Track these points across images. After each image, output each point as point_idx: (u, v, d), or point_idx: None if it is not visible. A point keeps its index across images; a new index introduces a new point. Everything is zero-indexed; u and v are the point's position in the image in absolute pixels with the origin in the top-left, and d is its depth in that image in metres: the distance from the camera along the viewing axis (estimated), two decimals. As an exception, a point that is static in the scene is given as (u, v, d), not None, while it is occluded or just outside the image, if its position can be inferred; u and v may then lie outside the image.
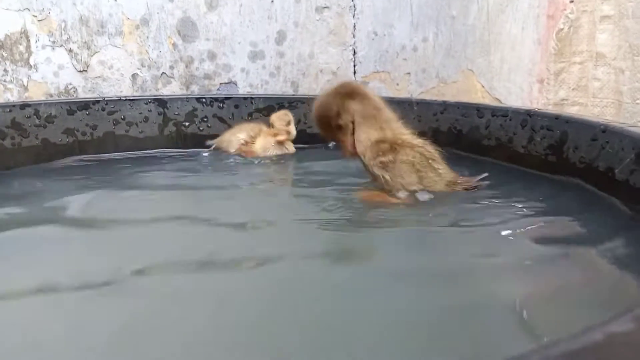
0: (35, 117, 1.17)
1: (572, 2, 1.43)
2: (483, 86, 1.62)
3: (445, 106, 1.18)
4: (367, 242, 0.71)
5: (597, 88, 1.40)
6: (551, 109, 1.54)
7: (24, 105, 1.16)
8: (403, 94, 1.58)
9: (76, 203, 0.85)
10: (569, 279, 0.55)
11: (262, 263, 0.62)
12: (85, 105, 1.24)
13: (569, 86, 1.48)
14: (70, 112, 1.22)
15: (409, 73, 1.58)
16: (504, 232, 0.67)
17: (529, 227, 0.69)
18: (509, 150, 1.01)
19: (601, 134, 0.78)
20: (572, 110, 1.50)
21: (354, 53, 1.53)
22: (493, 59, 1.61)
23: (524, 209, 0.76)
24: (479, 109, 1.09)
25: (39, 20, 1.33)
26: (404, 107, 1.24)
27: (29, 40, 1.33)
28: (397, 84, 1.58)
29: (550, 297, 0.52)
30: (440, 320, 0.48)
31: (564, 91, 1.50)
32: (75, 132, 1.23)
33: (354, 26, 1.51)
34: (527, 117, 0.97)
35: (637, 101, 1.26)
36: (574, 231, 0.67)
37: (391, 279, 0.55)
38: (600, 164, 0.77)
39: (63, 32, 1.35)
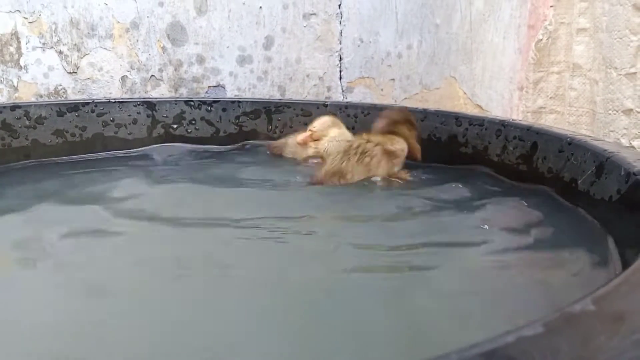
0: (25, 118, 1.20)
1: (552, 6, 1.47)
2: (465, 93, 1.67)
3: (425, 114, 1.22)
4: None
5: (574, 97, 1.45)
6: (530, 117, 1.60)
7: (14, 107, 1.18)
8: (387, 100, 1.62)
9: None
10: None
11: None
12: (74, 107, 1.27)
13: (547, 95, 1.53)
14: (60, 114, 1.25)
15: (393, 79, 1.62)
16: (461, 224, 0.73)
17: (492, 227, 0.74)
18: (484, 158, 1.05)
19: (567, 146, 0.83)
20: (549, 118, 1.55)
21: (340, 59, 1.57)
22: (475, 67, 1.66)
23: (492, 212, 0.81)
24: (457, 118, 1.14)
25: (29, 22, 1.35)
26: (386, 114, 1.28)
27: (19, 42, 1.35)
28: (382, 90, 1.62)
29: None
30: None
31: (542, 99, 1.54)
32: (65, 133, 1.25)
33: (340, 33, 1.55)
34: (502, 127, 1.02)
35: (609, 112, 1.31)
36: (530, 234, 0.72)
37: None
38: (566, 174, 0.82)
39: (54, 34, 1.37)
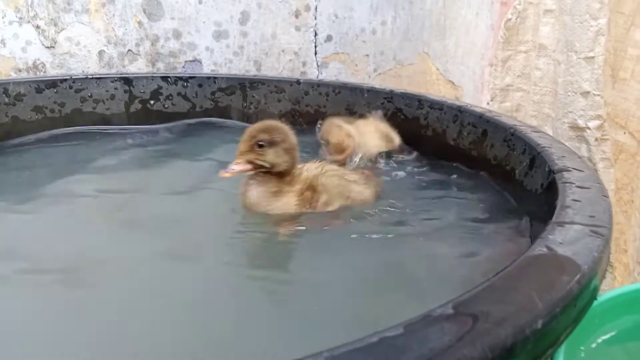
0: (4, 95, 1.23)
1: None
2: (438, 69, 1.72)
3: (392, 95, 1.27)
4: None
5: (538, 77, 1.51)
6: (498, 94, 1.65)
7: (-7, 84, 1.22)
8: (361, 75, 1.67)
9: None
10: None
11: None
12: (53, 83, 1.30)
13: (515, 73, 1.59)
14: (39, 90, 1.28)
15: (367, 55, 1.66)
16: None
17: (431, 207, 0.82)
18: (441, 142, 1.12)
19: (510, 136, 0.90)
20: (516, 96, 1.61)
21: (315, 34, 1.60)
22: (448, 43, 1.70)
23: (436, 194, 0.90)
24: (419, 101, 1.19)
25: (5, -4, 1.36)
26: (356, 93, 1.34)
27: (-5, 16, 1.37)
28: (356, 65, 1.66)
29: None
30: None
31: (509, 77, 1.60)
32: (44, 109, 1.29)
33: (316, 8, 1.57)
34: (458, 113, 1.08)
35: (569, 93, 1.37)
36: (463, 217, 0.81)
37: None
38: (507, 164, 0.89)
39: (30, 8, 1.38)
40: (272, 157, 0.76)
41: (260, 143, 0.76)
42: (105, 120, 1.37)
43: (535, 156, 0.78)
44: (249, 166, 0.76)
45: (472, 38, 1.68)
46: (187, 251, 0.70)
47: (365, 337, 0.33)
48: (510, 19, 1.53)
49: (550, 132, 1.48)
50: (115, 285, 0.62)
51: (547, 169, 0.71)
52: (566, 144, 1.38)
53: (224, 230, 0.77)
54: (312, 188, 0.79)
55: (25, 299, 0.59)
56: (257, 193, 0.78)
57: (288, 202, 0.78)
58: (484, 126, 0.99)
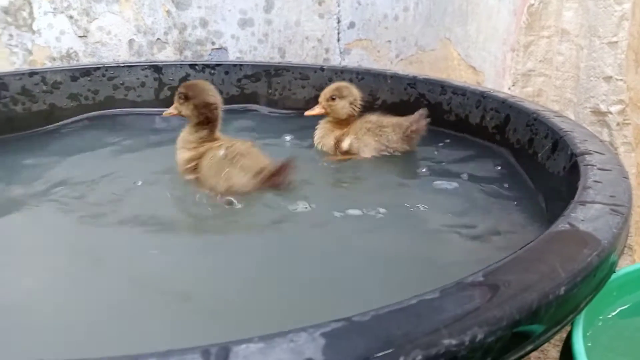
0: (42, 83, 1.29)
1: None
2: (459, 54, 1.73)
3: (415, 80, 1.30)
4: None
5: (560, 62, 1.51)
6: (520, 79, 1.66)
7: (32, 73, 1.28)
8: (383, 61, 1.69)
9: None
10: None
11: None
12: (87, 71, 1.36)
13: (537, 58, 1.59)
14: (74, 79, 1.34)
15: (389, 41, 1.68)
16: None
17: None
18: (465, 125, 1.15)
19: (533, 121, 0.92)
20: (538, 81, 1.62)
21: (338, 21, 1.62)
22: (470, 29, 1.71)
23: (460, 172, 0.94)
24: (442, 86, 1.22)
25: (40, -12, 1.41)
26: (379, 80, 1.37)
27: (31, 7, 1.42)
28: (379, 51, 1.68)
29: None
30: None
31: (531, 62, 1.60)
32: (79, 96, 1.35)
33: (339, -5, 1.60)
34: (481, 98, 1.10)
35: (591, 78, 1.38)
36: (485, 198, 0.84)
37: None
38: (530, 147, 0.92)
39: (63, -1, 1.44)
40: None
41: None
42: (136, 106, 1.42)
43: (557, 140, 0.81)
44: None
45: (494, 23, 1.68)
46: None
47: (405, 300, 0.37)
48: (533, 4, 1.53)
49: (572, 117, 1.49)
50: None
51: (569, 152, 0.74)
52: (588, 128, 1.40)
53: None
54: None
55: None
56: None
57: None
58: (507, 111, 1.01)
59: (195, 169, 0.90)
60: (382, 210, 0.80)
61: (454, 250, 0.72)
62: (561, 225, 0.49)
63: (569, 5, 1.45)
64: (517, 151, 0.97)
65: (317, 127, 1.15)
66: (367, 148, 1.06)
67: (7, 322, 0.54)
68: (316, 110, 1.10)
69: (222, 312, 0.57)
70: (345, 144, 1.07)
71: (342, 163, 1.06)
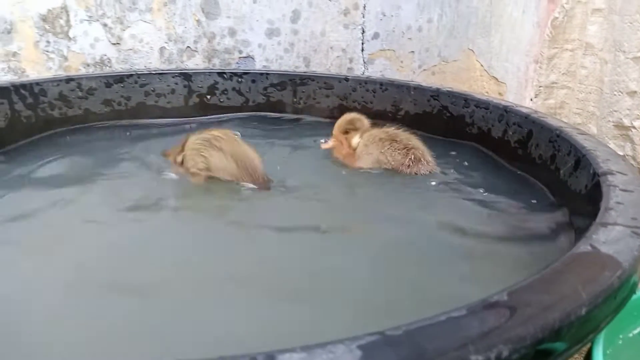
0: (78, 89, 1.35)
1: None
2: (482, 65, 1.75)
3: (438, 93, 1.32)
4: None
5: (584, 75, 1.52)
6: (542, 91, 1.67)
7: (68, 80, 1.33)
8: (406, 71, 1.71)
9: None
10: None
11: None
12: (120, 78, 1.41)
13: (560, 71, 1.60)
14: (108, 85, 1.39)
15: (412, 51, 1.70)
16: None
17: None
18: (487, 139, 1.17)
19: (556, 138, 0.94)
20: (560, 94, 1.63)
21: (363, 32, 1.65)
22: (493, 40, 1.72)
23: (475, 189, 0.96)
24: (466, 99, 1.24)
25: (77, -3, 1.47)
26: (402, 91, 1.39)
27: (68, 15, 1.48)
28: (402, 62, 1.71)
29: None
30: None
31: (554, 75, 1.62)
32: (112, 102, 1.40)
33: (364, 7, 1.62)
34: (504, 112, 1.12)
35: (615, 92, 1.39)
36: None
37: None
38: (552, 163, 0.93)
39: (99, 7, 1.49)
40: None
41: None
42: (165, 113, 1.47)
43: (580, 158, 0.82)
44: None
45: (518, 35, 1.70)
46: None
47: (434, 316, 0.40)
48: (557, 18, 1.55)
49: (594, 130, 1.49)
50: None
51: (591, 171, 0.76)
52: (610, 142, 1.41)
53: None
54: None
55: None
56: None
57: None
58: (530, 126, 1.03)
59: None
60: (404, 221, 0.83)
61: (476, 265, 0.74)
62: (583, 247, 0.51)
63: (594, 20, 1.46)
64: (538, 166, 0.98)
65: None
66: (368, 158, 1.06)
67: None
68: (330, 143, 1.12)
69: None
70: (354, 141, 1.09)
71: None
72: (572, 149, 0.87)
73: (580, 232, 0.72)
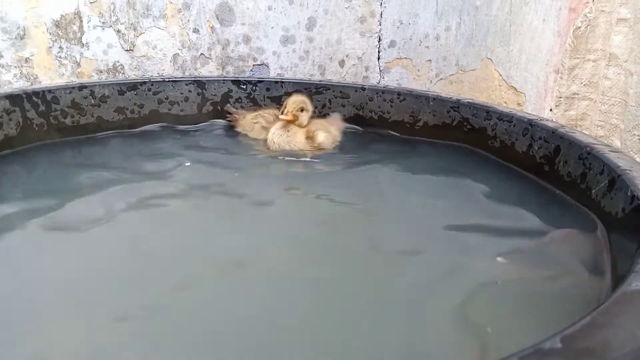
0: (91, 97, 1.32)
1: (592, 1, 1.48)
2: (500, 75, 1.71)
3: (458, 104, 1.28)
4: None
5: (607, 87, 1.48)
6: (563, 102, 1.63)
7: (81, 87, 1.31)
8: (423, 80, 1.68)
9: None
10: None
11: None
12: (133, 86, 1.38)
13: (582, 81, 1.56)
14: (121, 93, 1.37)
15: (430, 60, 1.67)
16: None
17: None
18: (510, 153, 1.13)
19: (587, 155, 0.90)
20: (582, 105, 1.59)
21: (379, 40, 1.62)
22: (512, 49, 1.69)
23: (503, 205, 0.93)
24: (487, 111, 1.20)
25: (90, 3, 1.45)
26: (421, 101, 1.36)
27: (81, 21, 1.46)
28: (419, 70, 1.67)
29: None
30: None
31: (576, 86, 1.58)
32: (125, 110, 1.38)
33: (381, 14, 1.59)
34: (529, 127, 1.08)
35: (641, 105, 1.35)
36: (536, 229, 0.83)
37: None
38: (582, 182, 0.90)
39: (112, 13, 1.47)
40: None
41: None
42: (179, 120, 1.44)
43: (615, 178, 0.79)
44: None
45: (538, 44, 1.66)
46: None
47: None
48: (579, 27, 1.51)
49: (618, 143, 1.45)
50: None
51: (629, 193, 0.72)
52: (636, 156, 1.36)
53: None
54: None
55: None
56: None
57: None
58: (557, 142, 1.00)
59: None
60: (430, 240, 0.80)
61: (515, 286, 0.70)
62: (634, 283, 0.48)
63: (619, 30, 1.42)
64: (567, 184, 0.95)
65: (270, 130, 1.30)
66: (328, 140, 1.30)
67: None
68: (289, 116, 1.27)
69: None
70: (320, 137, 1.28)
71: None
72: (604, 167, 0.83)
73: (619, 260, 0.69)
